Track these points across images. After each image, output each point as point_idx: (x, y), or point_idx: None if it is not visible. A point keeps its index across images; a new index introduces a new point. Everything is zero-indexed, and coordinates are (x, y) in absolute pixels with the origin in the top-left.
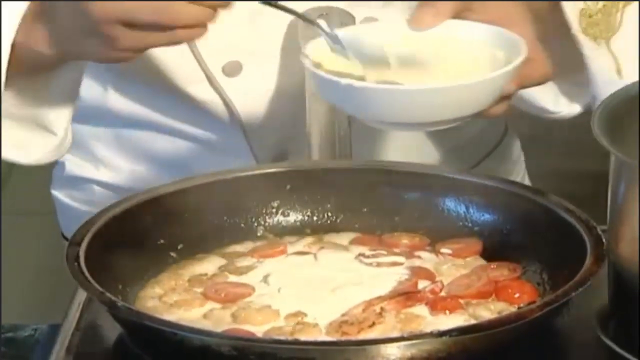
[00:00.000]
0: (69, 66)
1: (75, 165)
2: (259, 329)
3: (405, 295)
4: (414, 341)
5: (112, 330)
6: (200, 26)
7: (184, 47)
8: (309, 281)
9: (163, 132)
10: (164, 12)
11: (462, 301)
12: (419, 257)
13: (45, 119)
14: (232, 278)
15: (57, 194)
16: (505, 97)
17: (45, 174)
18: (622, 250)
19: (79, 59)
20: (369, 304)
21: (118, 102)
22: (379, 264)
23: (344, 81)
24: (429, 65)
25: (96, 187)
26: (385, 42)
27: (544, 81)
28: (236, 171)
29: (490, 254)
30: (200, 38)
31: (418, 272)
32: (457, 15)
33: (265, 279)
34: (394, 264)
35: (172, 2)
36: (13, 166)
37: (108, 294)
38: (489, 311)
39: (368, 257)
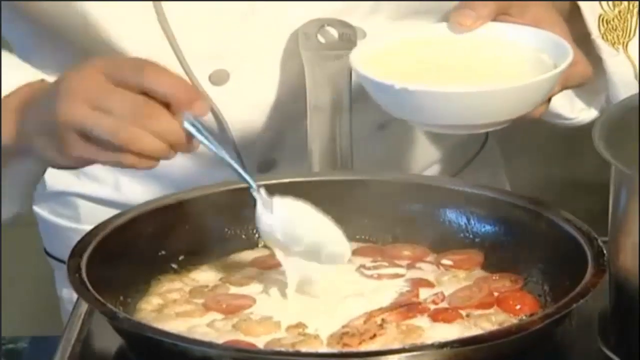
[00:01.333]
0: (24, 163)
1: (57, 180)
2: (260, 341)
3: (407, 306)
4: (415, 353)
5: (112, 342)
6: (152, 159)
7: (169, 54)
8: (310, 293)
9: None
10: (122, 133)
11: (463, 312)
12: (420, 268)
13: None
14: (233, 289)
15: (39, 210)
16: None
17: None
18: (623, 262)
19: (34, 156)
20: (370, 315)
21: None
22: (379, 276)
23: (399, 85)
24: (473, 69)
25: (80, 201)
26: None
27: (585, 82)
28: (237, 182)
29: (491, 265)
30: (146, 169)
31: (419, 284)
32: (496, 18)
33: (266, 290)
34: (395, 275)
35: (132, 127)
36: None
37: (109, 305)
38: (490, 322)
39: (369, 268)
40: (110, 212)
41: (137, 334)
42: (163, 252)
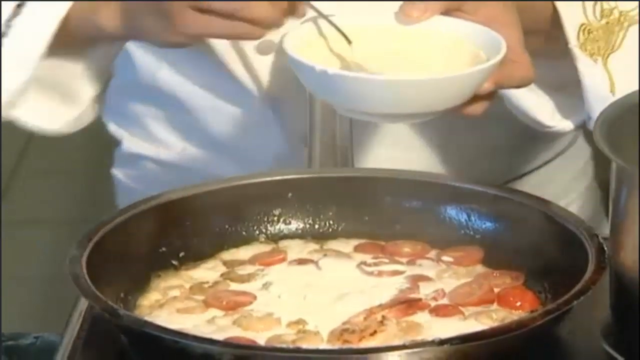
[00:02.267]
0: (111, 45)
1: (131, 143)
2: (260, 337)
3: (407, 303)
4: (415, 349)
5: (113, 338)
6: (264, 27)
7: None
8: (311, 289)
9: (208, 109)
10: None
11: (463, 309)
12: (420, 265)
13: (72, 89)
14: (234, 286)
15: (117, 172)
16: (484, 97)
17: (44, 183)
18: (624, 259)
19: (139, 39)
20: (370, 312)
21: (169, 79)
22: (380, 273)
23: (319, 67)
24: (413, 59)
25: (150, 164)
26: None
27: (524, 84)
28: (237, 179)
29: (492, 262)
30: (257, 39)
31: (419, 280)
32: (446, 13)
33: (266, 287)
34: (396, 272)
35: None
36: (13, 175)
37: (109, 302)
38: (490, 319)
39: (370, 265)
40: (175, 178)
41: (137, 330)
42: (163, 249)
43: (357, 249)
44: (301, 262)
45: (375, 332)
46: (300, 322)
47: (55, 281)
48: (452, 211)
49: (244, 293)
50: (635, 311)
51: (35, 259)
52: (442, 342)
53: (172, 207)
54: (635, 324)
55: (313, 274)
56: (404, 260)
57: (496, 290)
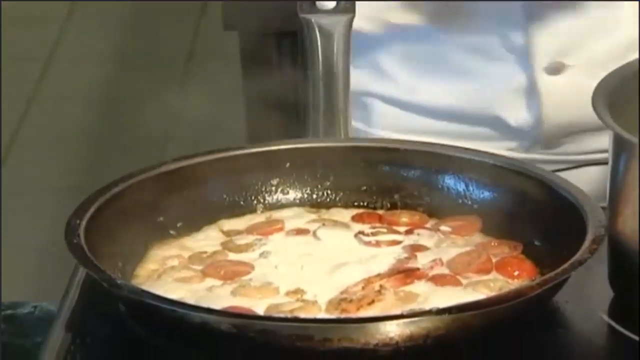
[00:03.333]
0: None
1: (355, 79)
2: (258, 306)
3: (405, 272)
4: (413, 319)
5: (111, 307)
6: None
7: None
8: (308, 259)
9: (446, 44)
10: None
11: (461, 278)
12: (418, 234)
13: None
14: (232, 256)
15: None
16: None
17: (44, 151)
18: (622, 228)
19: None
20: (368, 281)
21: (405, 12)
22: (378, 242)
23: None
24: None
25: (375, 102)
26: None
27: None
28: (235, 149)
29: (490, 232)
30: None
31: (417, 250)
32: None
33: (264, 256)
34: (394, 242)
35: None
36: (12, 144)
37: (107, 272)
38: (488, 288)
39: (368, 235)
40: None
41: (135, 300)
42: (161, 219)
43: (354, 218)
44: (299, 232)
45: (373, 301)
46: (298, 291)
47: (55, 250)
48: (450, 181)
49: (242, 263)
50: (634, 280)
51: (35, 227)
52: (440, 312)
53: (170, 177)
54: (634, 293)
55: (311, 244)
56: (402, 230)
57: (494, 259)
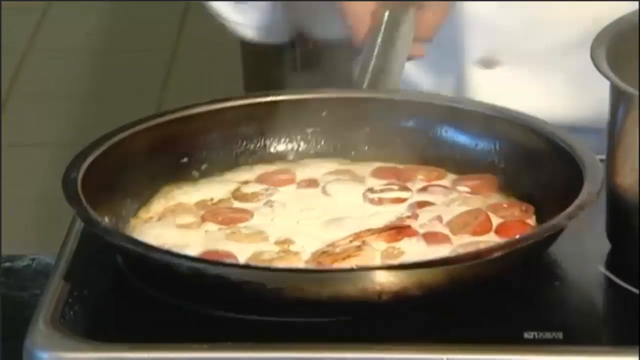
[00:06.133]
0: None
1: None
2: (243, 252)
3: (395, 229)
4: (361, 272)
5: (109, 258)
6: None
7: None
8: (309, 212)
9: None
10: None
11: (455, 238)
12: (432, 192)
13: None
14: (237, 204)
15: None
16: None
17: (42, 104)
18: (621, 182)
19: None
20: (357, 236)
21: None
22: (380, 200)
23: None
24: None
25: None
26: None
27: None
28: (273, 94)
29: (509, 192)
30: None
31: (423, 207)
32: None
33: (269, 205)
34: (397, 200)
35: None
36: (8, 97)
37: (93, 217)
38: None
39: (376, 191)
40: None
41: (121, 247)
42: (185, 160)
43: (374, 173)
44: (310, 183)
45: (349, 255)
46: (287, 241)
47: (55, 202)
48: (479, 139)
49: (243, 210)
50: (634, 233)
51: (34, 180)
52: (391, 267)
53: (200, 119)
54: (632, 246)
55: (318, 197)
56: (418, 186)
57: (501, 221)
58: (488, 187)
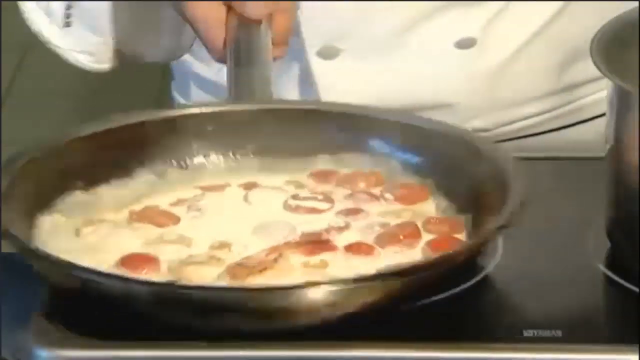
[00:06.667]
0: None
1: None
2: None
3: (313, 244)
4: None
5: None
6: None
7: None
8: (236, 219)
9: None
10: None
11: (381, 250)
12: (362, 200)
13: None
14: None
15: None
16: None
17: (41, 100)
18: (621, 179)
19: None
20: (275, 249)
21: None
22: (297, 208)
23: None
24: None
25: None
26: None
27: None
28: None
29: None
30: None
31: (353, 214)
32: None
33: (193, 211)
34: (313, 210)
35: None
36: (7, 94)
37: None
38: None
39: (299, 199)
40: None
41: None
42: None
43: (311, 176)
44: (247, 186)
45: (265, 268)
46: (214, 246)
47: None
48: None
49: (169, 214)
50: (634, 232)
51: None
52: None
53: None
54: (634, 245)
55: (243, 205)
56: (347, 192)
57: (432, 236)
58: (416, 198)
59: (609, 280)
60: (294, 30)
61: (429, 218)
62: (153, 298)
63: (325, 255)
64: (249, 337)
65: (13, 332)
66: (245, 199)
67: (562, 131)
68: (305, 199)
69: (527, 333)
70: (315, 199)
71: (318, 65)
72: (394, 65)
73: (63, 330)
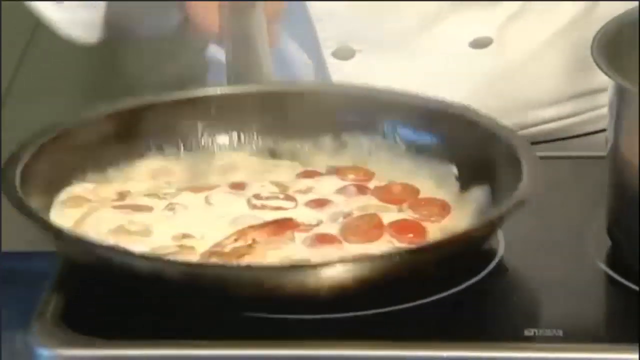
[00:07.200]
0: None
1: None
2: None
3: (277, 223)
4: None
5: None
6: None
7: None
8: (202, 216)
9: None
10: None
11: (345, 241)
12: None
13: None
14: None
15: None
16: None
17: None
18: (622, 178)
19: None
20: (241, 233)
21: None
22: (263, 206)
23: None
24: None
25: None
26: None
27: None
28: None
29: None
30: None
31: (323, 205)
32: None
33: (168, 205)
34: (278, 208)
35: None
36: (8, 93)
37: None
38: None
39: (262, 198)
40: None
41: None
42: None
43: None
44: (234, 186)
45: (243, 255)
46: (185, 236)
47: None
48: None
49: (145, 207)
50: (634, 230)
51: None
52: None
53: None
54: (634, 243)
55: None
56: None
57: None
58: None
59: (609, 279)
60: (308, 35)
61: (418, 200)
62: (186, 278)
63: (291, 247)
64: (250, 332)
65: (13, 332)
66: (207, 200)
67: (584, 138)
68: (267, 198)
69: (528, 332)
70: (277, 198)
71: (334, 66)
72: (409, 65)
73: (63, 330)
